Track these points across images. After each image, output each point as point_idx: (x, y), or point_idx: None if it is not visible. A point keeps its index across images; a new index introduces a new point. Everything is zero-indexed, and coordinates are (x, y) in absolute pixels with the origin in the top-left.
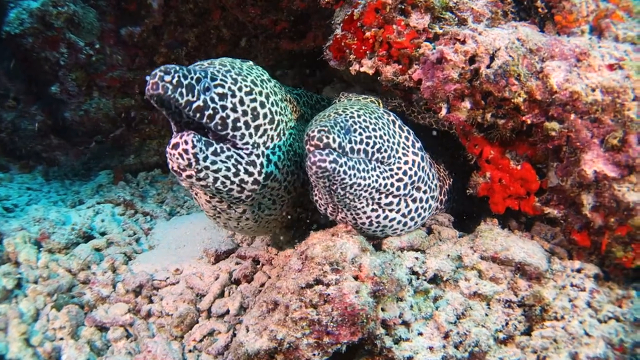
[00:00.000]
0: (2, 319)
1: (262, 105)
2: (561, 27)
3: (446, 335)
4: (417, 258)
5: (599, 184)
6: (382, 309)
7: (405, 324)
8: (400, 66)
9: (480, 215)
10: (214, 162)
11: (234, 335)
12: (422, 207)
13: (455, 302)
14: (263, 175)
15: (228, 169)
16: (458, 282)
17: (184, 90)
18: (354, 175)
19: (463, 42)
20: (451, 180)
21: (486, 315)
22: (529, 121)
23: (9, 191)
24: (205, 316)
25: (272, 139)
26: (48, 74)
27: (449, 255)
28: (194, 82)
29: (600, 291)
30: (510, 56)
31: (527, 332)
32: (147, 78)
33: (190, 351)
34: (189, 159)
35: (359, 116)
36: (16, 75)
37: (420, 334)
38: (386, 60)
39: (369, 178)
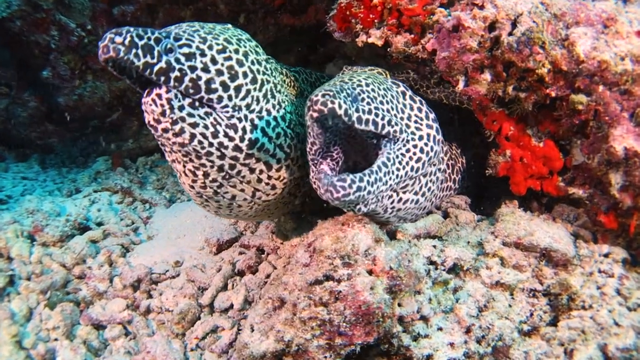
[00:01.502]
0: None
1: (240, 63)
2: None
3: (468, 330)
4: (434, 246)
5: (629, 162)
6: (399, 304)
7: (424, 319)
8: (412, 36)
9: (499, 197)
10: (190, 115)
11: (239, 331)
12: (430, 180)
13: (476, 293)
14: (246, 142)
15: (206, 127)
16: (479, 271)
17: (139, 52)
18: (377, 188)
19: (481, 7)
20: (464, 158)
21: (509, 306)
22: (553, 94)
23: (2, 182)
24: (208, 311)
25: (258, 101)
26: (39, 58)
27: (468, 242)
28: (152, 42)
29: (630, 277)
30: (534, 22)
31: (553, 323)
32: (99, 43)
33: (192, 350)
34: (162, 106)
35: (367, 85)
36: (6, 60)
37: (440, 329)
38: (396, 29)
39: (391, 179)
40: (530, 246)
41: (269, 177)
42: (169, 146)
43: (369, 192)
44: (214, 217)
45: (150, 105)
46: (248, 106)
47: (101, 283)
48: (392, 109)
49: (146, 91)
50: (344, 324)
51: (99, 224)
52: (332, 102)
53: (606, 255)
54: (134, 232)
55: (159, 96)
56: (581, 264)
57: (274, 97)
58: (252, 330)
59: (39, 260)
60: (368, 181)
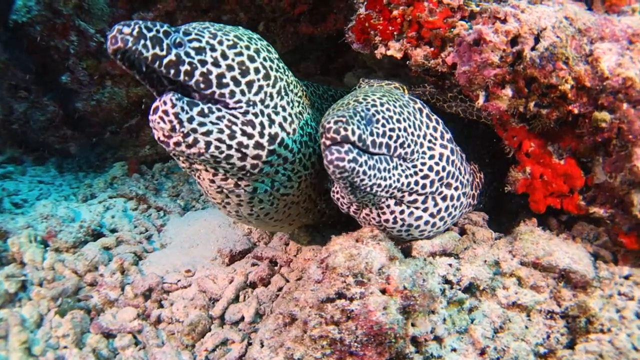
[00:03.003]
0: (2, 325)
1: (251, 59)
2: (610, 5)
3: (482, 352)
4: (450, 265)
5: None
6: (412, 324)
7: (438, 339)
8: (432, 49)
9: (517, 212)
10: (202, 124)
11: (249, 345)
12: (452, 206)
13: (492, 314)
14: (266, 137)
15: (221, 131)
16: (495, 291)
17: (148, 43)
18: (374, 175)
19: (504, 21)
20: (482, 173)
21: (526, 327)
22: (575, 111)
23: (19, 185)
24: (219, 323)
25: (272, 97)
26: (58, 63)
27: (485, 261)
28: (160, 35)
29: None
30: (557, 37)
31: (570, 346)
32: (107, 34)
33: None
34: (171, 122)
35: (381, 104)
36: (26, 65)
37: (454, 350)
38: (416, 42)
39: (390, 178)
40: (549, 266)
41: (285, 169)
42: (183, 157)
43: (364, 172)
44: (227, 228)
45: (159, 122)
46: (262, 101)
47: (112, 291)
48: (409, 126)
49: (152, 108)
50: (355, 343)
51: (113, 231)
52: (345, 129)
53: (627, 277)
54: (147, 240)
55: (166, 112)
56: (601, 285)
57: (287, 94)
58: (262, 346)
59: (52, 266)
60: (365, 161)
